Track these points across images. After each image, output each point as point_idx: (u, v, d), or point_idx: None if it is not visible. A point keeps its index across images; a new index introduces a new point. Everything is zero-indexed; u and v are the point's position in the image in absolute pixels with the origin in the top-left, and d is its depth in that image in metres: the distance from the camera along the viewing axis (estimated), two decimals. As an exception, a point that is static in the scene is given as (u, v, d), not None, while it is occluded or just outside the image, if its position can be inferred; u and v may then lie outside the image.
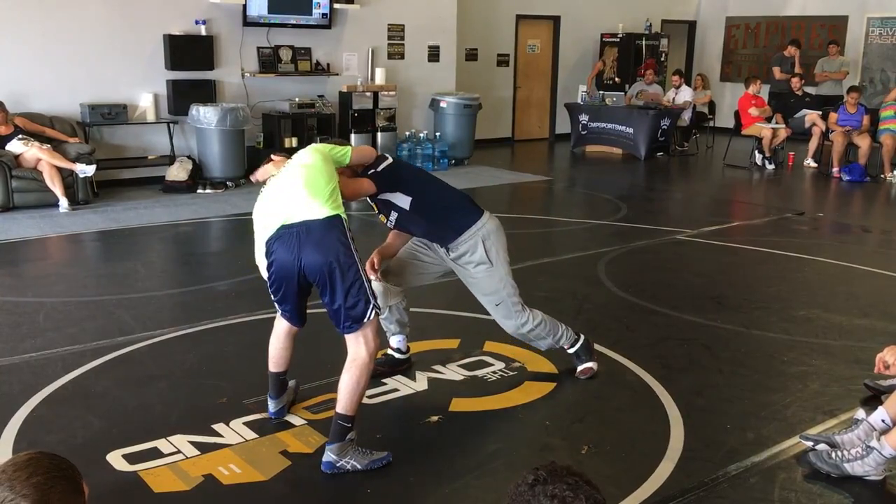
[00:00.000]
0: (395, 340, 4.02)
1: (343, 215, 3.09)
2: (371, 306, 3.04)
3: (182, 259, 6.65)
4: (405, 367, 4.04)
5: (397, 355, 4.03)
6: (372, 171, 3.52)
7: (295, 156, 3.30)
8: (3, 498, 1.52)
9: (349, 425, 3.08)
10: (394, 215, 3.61)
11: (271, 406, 3.50)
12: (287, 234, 3.04)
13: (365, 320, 3.04)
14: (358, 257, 3.05)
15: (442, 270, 3.90)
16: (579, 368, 3.98)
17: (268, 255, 3.12)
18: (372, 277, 3.79)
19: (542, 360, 4.18)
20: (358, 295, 3.01)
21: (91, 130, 8.58)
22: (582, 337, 4.01)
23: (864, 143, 10.35)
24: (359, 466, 3.06)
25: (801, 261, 6.39)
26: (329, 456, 3.06)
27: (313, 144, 3.40)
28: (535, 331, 3.83)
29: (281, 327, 3.43)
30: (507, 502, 1.43)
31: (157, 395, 3.77)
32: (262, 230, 3.15)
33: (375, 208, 3.66)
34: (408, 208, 3.56)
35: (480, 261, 3.66)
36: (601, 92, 12.49)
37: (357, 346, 3.07)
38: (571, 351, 3.98)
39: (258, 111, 9.57)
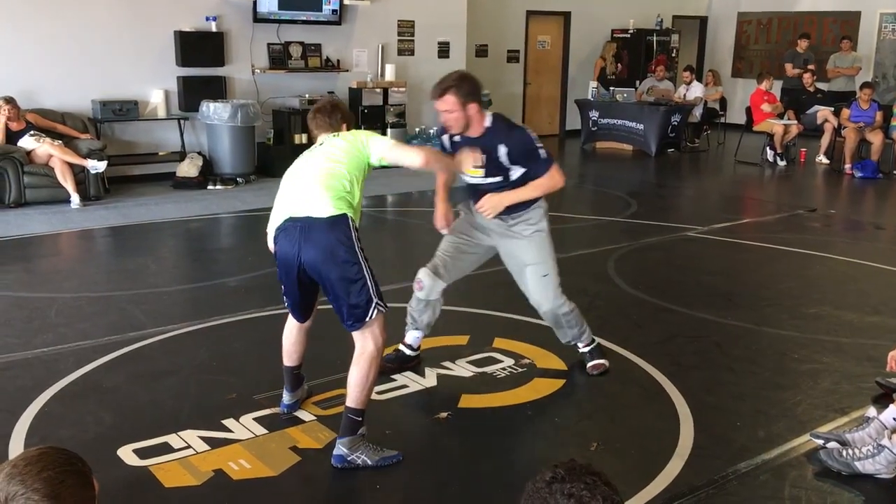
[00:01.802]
0: (413, 336, 4.04)
1: (350, 214, 3.08)
2: (374, 305, 3.04)
3: (192, 255, 6.68)
4: (413, 364, 4.05)
5: (407, 351, 4.04)
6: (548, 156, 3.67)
7: (350, 134, 3.27)
8: (14, 492, 1.52)
9: (360, 419, 3.08)
10: (496, 180, 3.66)
11: (286, 398, 3.52)
12: (291, 228, 3.07)
13: (367, 319, 3.04)
14: (363, 256, 3.04)
15: (481, 259, 3.99)
16: (591, 363, 4.01)
17: (274, 242, 3.17)
18: (444, 232, 3.87)
19: (551, 357, 4.18)
20: (360, 294, 3.01)
21: (102, 126, 8.62)
22: (595, 340, 4.08)
23: (876, 139, 10.28)
24: (369, 462, 3.07)
25: (813, 258, 6.36)
26: (340, 449, 3.07)
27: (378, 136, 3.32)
28: (568, 316, 3.92)
29: (292, 322, 3.44)
30: (523, 498, 1.42)
31: (168, 390, 3.79)
32: (279, 207, 3.17)
33: (479, 162, 3.61)
34: (514, 179, 3.66)
35: (538, 228, 3.79)
36: (612, 88, 12.45)
37: (364, 341, 3.08)
38: (587, 349, 4.04)
39: (268, 107, 9.59)
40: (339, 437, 3.10)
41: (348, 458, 3.06)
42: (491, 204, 3.69)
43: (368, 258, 3.09)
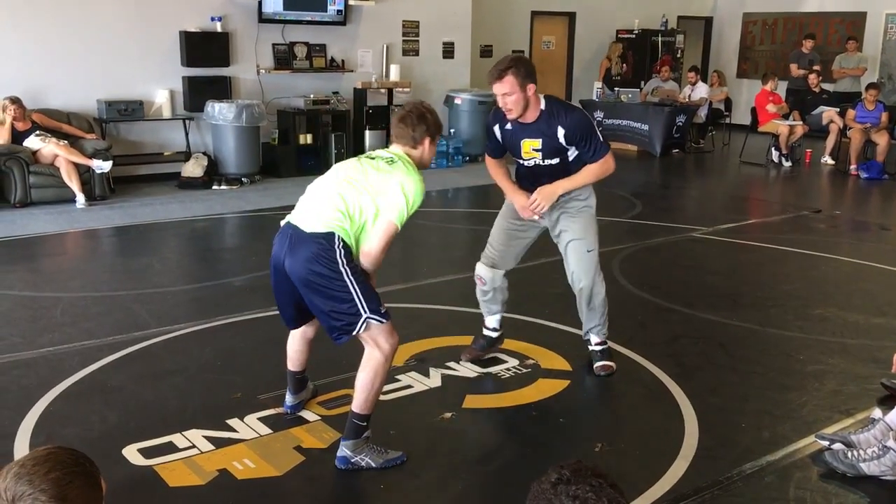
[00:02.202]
0: (494, 320, 4.12)
1: (341, 234, 2.95)
2: (363, 318, 2.94)
3: (197, 255, 6.68)
4: (501, 342, 4.19)
5: (492, 334, 4.14)
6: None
7: (394, 175, 3.03)
8: (22, 492, 1.53)
9: (364, 424, 3.08)
10: (553, 162, 3.71)
11: (289, 399, 3.52)
12: (284, 233, 3.07)
13: (354, 333, 2.98)
14: (348, 274, 2.92)
15: (532, 240, 4.04)
16: (599, 363, 4.00)
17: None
18: (536, 218, 3.85)
19: (555, 358, 4.18)
20: (342, 308, 2.94)
21: (108, 127, 8.63)
22: (608, 343, 4.08)
23: (882, 140, 10.25)
24: (373, 464, 3.07)
25: (818, 259, 6.35)
26: (344, 451, 3.07)
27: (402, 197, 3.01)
28: (601, 298, 3.94)
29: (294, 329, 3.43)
30: (528, 499, 1.42)
31: (173, 389, 3.80)
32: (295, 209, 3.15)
33: (536, 144, 3.68)
34: (571, 160, 3.72)
35: (587, 204, 3.87)
36: (616, 89, 12.44)
37: (370, 349, 3.06)
38: (599, 348, 4.02)
39: (273, 108, 9.60)
40: (343, 440, 3.10)
41: (352, 461, 3.06)
42: (544, 195, 3.73)
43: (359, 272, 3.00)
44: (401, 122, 3.18)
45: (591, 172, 3.75)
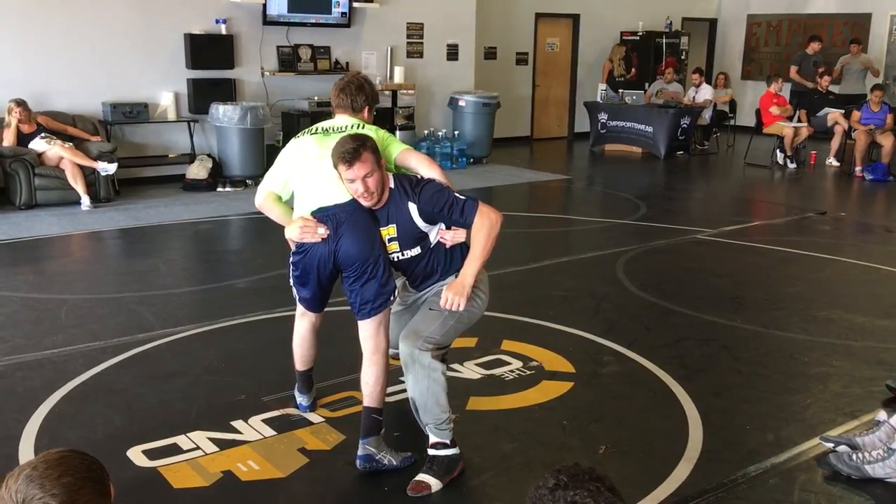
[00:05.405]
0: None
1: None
2: (395, 286, 3.11)
3: (202, 257, 6.69)
4: None
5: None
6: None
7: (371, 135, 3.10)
8: (32, 496, 1.52)
9: (381, 418, 3.10)
10: (414, 251, 3.09)
11: (304, 400, 3.54)
12: (322, 219, 3.03)
13: (389, 301, 3.09)
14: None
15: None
16: (418, 480, 2.99)
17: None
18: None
19: (559, 360, 4.18)
20: (389, 280, 3.07)
21: (113, 129, 8.66)
22: (457, 451, 3.09)
23: (887, 142, 10.23)
24: (395, 462, 3.08)
25: (823, 261, 6.33)
26: (367, 449, 3.06)
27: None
28: (428, 372, 2.98)
29: (304, 326, 3.42)
30: (527, 503, 1.42)
31: (177, 391, 3.80)
32: (307, 199, 3.11)
33: (390, 232, 3.05)
34: (431, 247, 3.13)
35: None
36: (621, 91, 12.44)
37: (377, 336, 3.09)
38: (433, 452, 3.06)
39: (277, 110, 9.62)
40: (363, 438, 3.08)
41: (376, 458, 3.06)
42: (457, 291, 2.97)
43: None
44: (341, 92, 3.30)
45: (482, 236, 2.95)
